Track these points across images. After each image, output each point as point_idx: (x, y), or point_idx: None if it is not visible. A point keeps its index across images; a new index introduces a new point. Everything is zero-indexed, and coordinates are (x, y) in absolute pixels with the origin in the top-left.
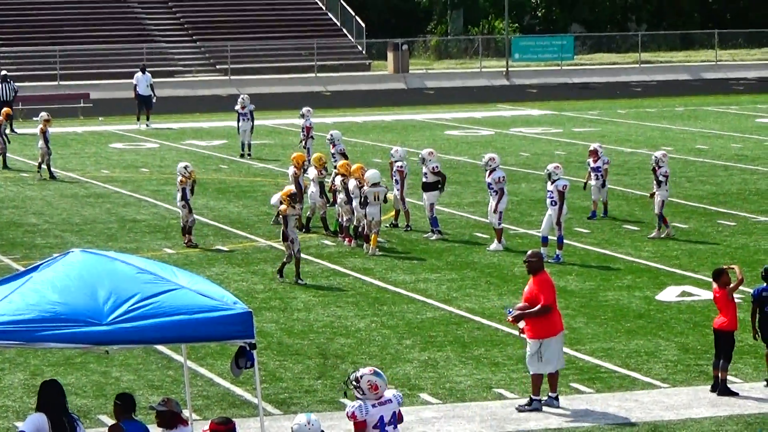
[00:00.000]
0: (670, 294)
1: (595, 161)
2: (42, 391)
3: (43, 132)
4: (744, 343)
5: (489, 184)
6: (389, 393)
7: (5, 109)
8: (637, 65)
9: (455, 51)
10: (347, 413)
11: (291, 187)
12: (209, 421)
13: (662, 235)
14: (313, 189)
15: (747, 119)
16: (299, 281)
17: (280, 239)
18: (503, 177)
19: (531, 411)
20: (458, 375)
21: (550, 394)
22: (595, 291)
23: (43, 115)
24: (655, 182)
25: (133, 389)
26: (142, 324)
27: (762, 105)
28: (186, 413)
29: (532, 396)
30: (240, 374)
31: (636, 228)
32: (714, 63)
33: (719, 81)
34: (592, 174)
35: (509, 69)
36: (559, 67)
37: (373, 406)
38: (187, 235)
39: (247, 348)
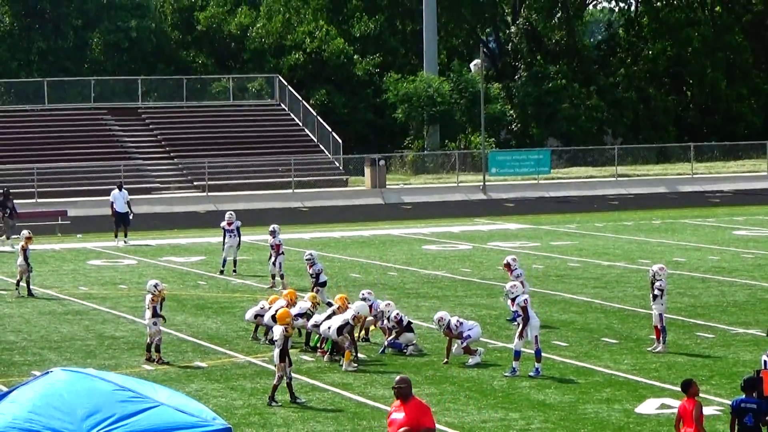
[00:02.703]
0: (649, 406)
1: (510, 274)
2: None
3: (24, 249)
4: None
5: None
6: None
7: None
8: (614, 178)
9: (432, 166)
10: None
11: (284, 308)
12: None
13: (659, 350)
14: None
15: (724, 231)
16: (298, 400)
17: (276, 361)
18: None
19: None
20: None
21: None
22: (575, 404)
23: (25, 233)
24: (651, 295)
25: None
26: None
27: (738, 217)
28: None
29: None
30: None
31: (614, 341)
32: (690, 176)
33: (696, 194)
34: None
35: (486, 183)
36: (536, 181)
37: None
38: (157, 353)
39: None
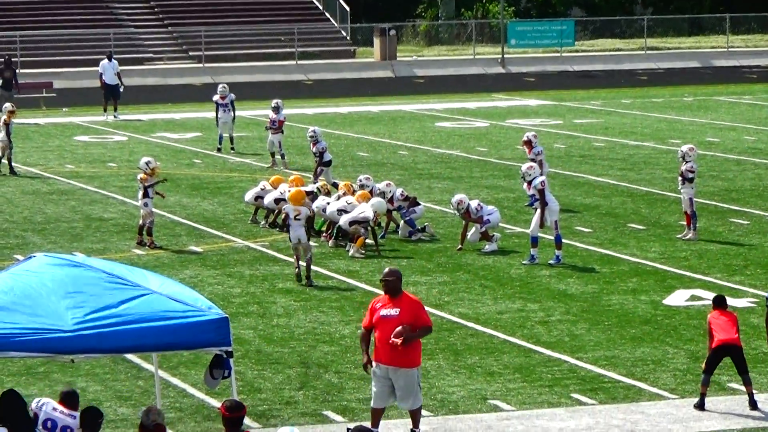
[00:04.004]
0: (678, 298)
1: (529, 152)
2: (1, 403)
3: (6, 124)
4: (758, 350)
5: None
6: None
7: None
8: (643, 52)
9: (447, 37)
10: None
11: (298, 188)
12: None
13: (690, 237)
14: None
15: (761, 110)
16: (312, 283)
17: (305, 240)
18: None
19: None
20: (450, 385)
21: (413, 429)
22: (598, 295)
23: (8, 106)
24: (680, 178)
25: (100, 401)
26: (109, 331)
27: None
28: None
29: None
30: (216, 385)
31: (642, 227)
32: (725, 49)
33: (731, 69)
34: None
35: (505, 56)
36: (559, 54)
37: None
38: (148, 237)
39: (224, 356)
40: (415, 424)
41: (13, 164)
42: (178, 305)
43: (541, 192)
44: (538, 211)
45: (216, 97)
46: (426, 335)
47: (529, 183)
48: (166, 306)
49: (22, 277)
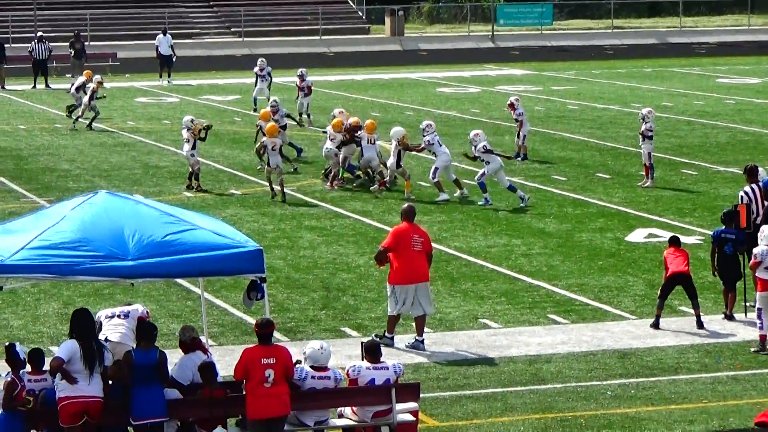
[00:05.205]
0: (638, 235)
1: (513, 113)
2: (74, 319)
3: (94, 91)
4: (704, 280)
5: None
6: (390, 362)
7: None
8: (610, 30)
9: (446, 16)
10: (346, 370)
11: (272, 123)
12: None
13: (648, 185)
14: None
15: (708, 79)
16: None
17: (281, 166)
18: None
19: (385, 346)
20: (447, 307)
21: (416, 337)
22: (571, 232)
23: (98, 77)
24: (640, 136)
25: (156, 318)
26: (163, 260)
27: (721, 66)
28: (203, 339)
29: (386, 333)
30: (251, 305)
31: (607, 176)
32: (679, 29)
33: (683, 45)
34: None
35: (494, 33)
36: (540, 32)
37: (367, 368)
38: (196, 182)
39: (258, 281)
40: (417, 331)
41: (92, 123)
42: (221, 239)
43: (485, 153)
44: (486, 167)
45: (256, 69)
46: (377, 255)
47: (475, 147)
48: (211, 239)
49: (90, 212)
